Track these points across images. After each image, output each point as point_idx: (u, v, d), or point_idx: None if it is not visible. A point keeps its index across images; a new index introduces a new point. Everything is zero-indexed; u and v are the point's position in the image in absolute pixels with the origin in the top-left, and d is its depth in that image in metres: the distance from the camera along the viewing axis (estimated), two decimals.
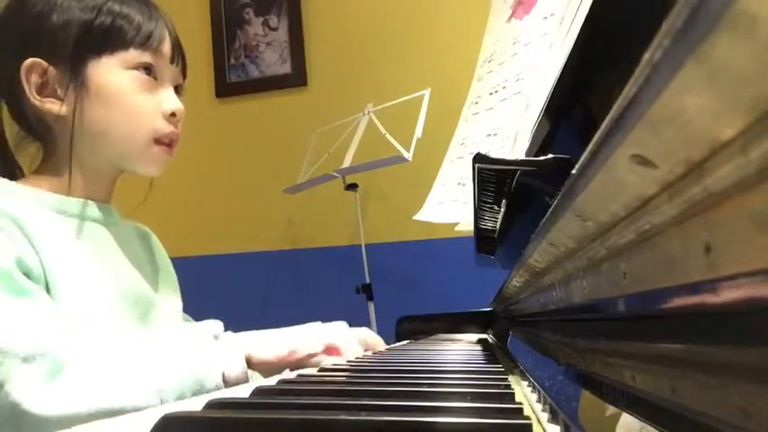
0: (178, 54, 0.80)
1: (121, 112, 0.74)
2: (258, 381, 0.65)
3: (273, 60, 2.34)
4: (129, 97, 0.74)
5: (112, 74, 0.74)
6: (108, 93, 0.74)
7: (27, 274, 0.62)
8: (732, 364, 0.16)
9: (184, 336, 0.64)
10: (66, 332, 0.58)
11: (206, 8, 2.40)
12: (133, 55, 0.74)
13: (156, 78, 0.77)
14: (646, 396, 0.23)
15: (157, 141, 0.77)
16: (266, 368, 0.66)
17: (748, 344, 0.15)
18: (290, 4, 2.33)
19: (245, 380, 0.62)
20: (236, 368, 0.62)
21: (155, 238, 0.92)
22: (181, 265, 0.94)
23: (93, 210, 0.76)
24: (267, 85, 2.35)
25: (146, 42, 0.75)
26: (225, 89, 2.38)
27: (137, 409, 0.52)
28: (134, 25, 0.74)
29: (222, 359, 0.61)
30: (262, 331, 0.70)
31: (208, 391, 0.58)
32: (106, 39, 0.73)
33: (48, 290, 0.64)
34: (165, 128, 0.77)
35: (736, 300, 0.14)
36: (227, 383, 0.61)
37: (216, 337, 0.65)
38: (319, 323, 0.77)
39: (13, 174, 0.78)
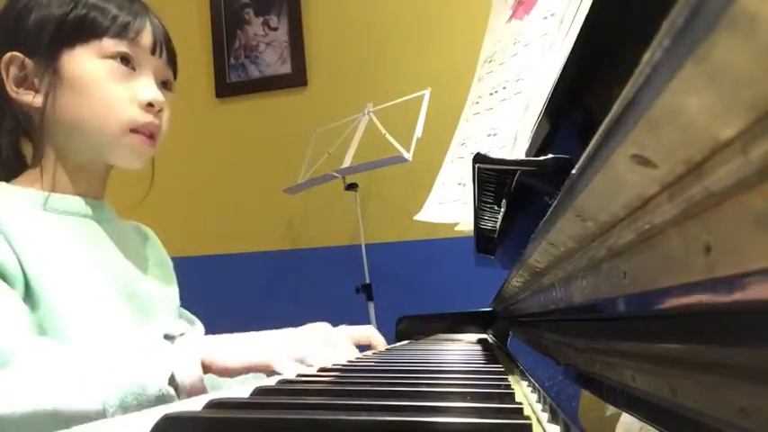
0: (161, 46, 0.79)
1: (93, 100, 0.74)
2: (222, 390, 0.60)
3: (273, 60, 2.34)
4: (102, 86, 0.74)
5: (86, 63, 0.74)
6: (80, 82, 0.74)
7: (1, 274, 0.62)
8: (732, 364, 0.16)
9: (133, 339, 0.61)
10: (24, 333, 0.58)
11: (206, 8, 2.40)
12: (108, 44, 0.74)
13: (134, 69, 0.76)
14: (646, 396, 0.23)
15: (134, 131, 0.76)
16: (230, 375, 0.61)
17: (748, 344, 0.15)
18: (290, 4, 2.33)
19: (201, 386, 0.57)
20: (190, 373, 0.56)
21: (154, 237, 0.92)
22: (181, 265, 0.94)
23: (82, 206, 0.76)
24: (267, 85, 2.35)
25: (121, 32, 0.75)
26: (225, 89, 2.39)
27: (77, 413, 0.50)
28: (109, 16, 0.75)
29: (171, 362, 0.56)
30: (233, 335, 0.65)
31: (151, 396, 0.53)
32: (80, 29, 0.74)
33: (30, 289, 0.64)
34: (142, 117, 0.76)
35: (736, 300, 0.14)
36: (180, 389, 0.55)
37: (172, 338, 0.60)
38: (291, 329, 0.73)
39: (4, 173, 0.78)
